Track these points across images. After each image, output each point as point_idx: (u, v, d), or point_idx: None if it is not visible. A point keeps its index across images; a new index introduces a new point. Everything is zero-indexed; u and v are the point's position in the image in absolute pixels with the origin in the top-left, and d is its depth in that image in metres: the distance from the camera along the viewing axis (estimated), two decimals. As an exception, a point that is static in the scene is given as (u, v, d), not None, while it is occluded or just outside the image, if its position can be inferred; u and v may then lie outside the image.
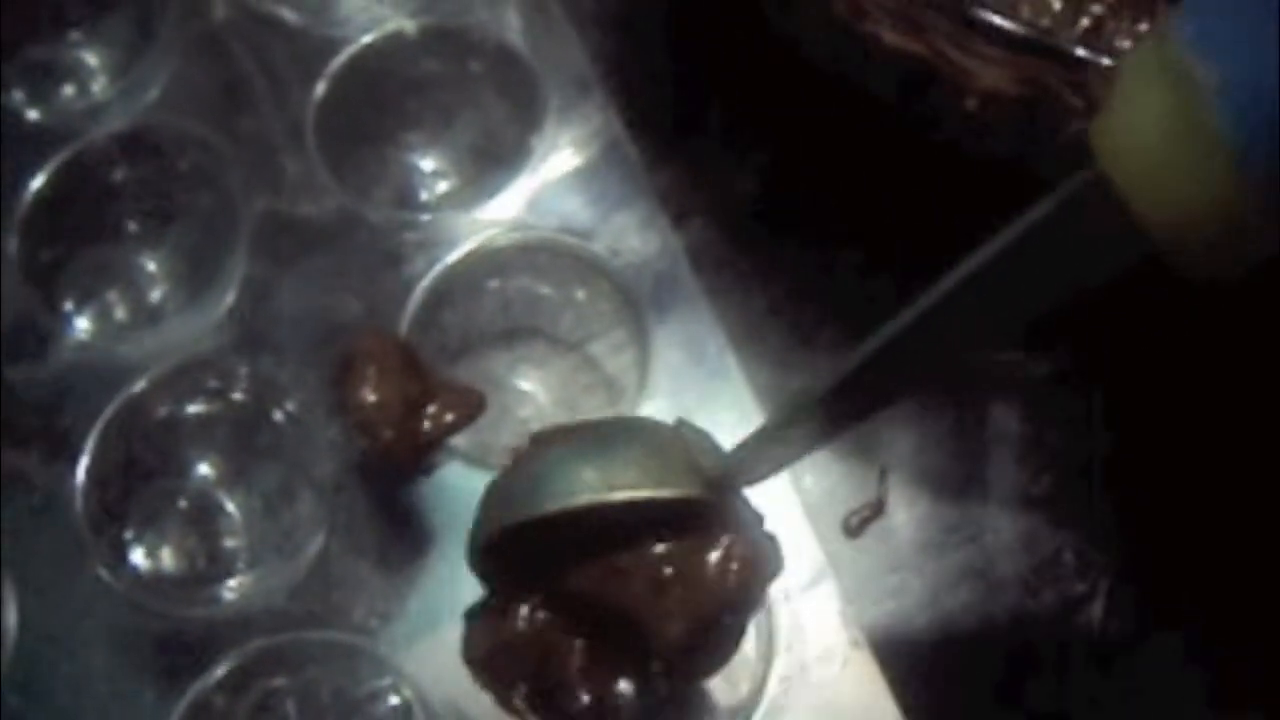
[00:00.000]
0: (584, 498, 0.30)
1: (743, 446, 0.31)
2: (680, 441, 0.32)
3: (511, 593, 0.32)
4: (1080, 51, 0.30)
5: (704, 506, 0.31)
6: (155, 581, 0.37)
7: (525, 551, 0.31)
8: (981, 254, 0.26)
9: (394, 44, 0.43)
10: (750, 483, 0.31)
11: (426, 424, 0.34)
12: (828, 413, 0.29)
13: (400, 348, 0.36)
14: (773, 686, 0.34)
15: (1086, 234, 0.25)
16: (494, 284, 0.40)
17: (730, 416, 0.38)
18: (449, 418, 0.35)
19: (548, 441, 0.32)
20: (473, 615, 0.33)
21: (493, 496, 0.32)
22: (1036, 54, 0.31)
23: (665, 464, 0.31)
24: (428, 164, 0.44)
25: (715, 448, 0.32)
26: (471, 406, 0.35)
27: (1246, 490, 0.38)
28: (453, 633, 0.35)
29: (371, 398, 0.33)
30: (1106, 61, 0.30)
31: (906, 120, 0.36)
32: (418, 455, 0.35)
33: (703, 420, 0.37)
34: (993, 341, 0.32)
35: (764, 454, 0.31)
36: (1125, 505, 0.38)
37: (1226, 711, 0.36)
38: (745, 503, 0.32)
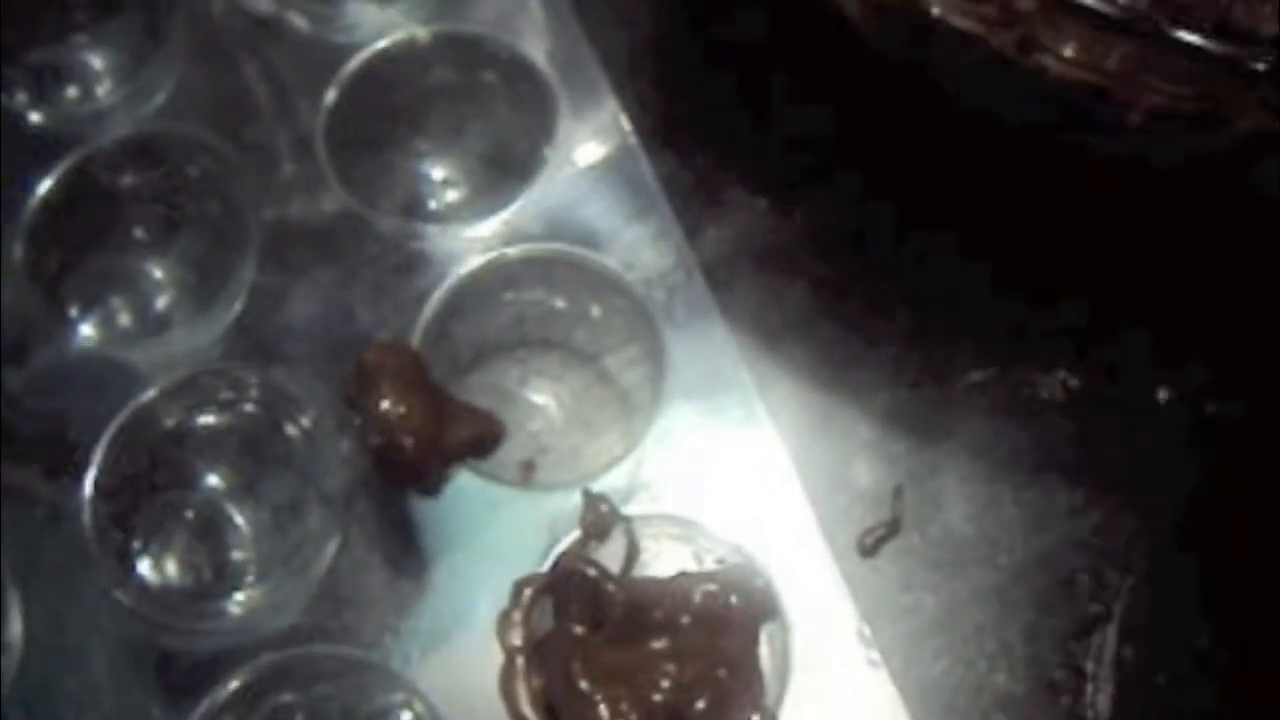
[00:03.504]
0: None
1: None
2: None
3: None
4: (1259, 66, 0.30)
5: None
6: (162, 595, 0.37)
7: None
8: None
9: (406, 51, 0.43)
10: None
11: (447, 437, 0.34)
12: None
13: (416, 360, 0.36)
14: (789, 706, 0.34)
15: None
16: (508, 296, 0.40)
17: (744, 433, 0.38)
18: (468, 434, 0.34)
19: None
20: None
21: None
22: (1220, 67, 0.30)
23: None
24: (438, 173, 0.43)
25: None
26: (494, 427, 0.34)
27: (1266, 510, 0.38)
28: (464, 647, 0.35)
29: (399, 408, 0.33)
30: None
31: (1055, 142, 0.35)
32: (441, 465, 0.34)
33: (717, 437, 0.38)
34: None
35: None
36: (1142, 526, 0.38)
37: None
38: None
